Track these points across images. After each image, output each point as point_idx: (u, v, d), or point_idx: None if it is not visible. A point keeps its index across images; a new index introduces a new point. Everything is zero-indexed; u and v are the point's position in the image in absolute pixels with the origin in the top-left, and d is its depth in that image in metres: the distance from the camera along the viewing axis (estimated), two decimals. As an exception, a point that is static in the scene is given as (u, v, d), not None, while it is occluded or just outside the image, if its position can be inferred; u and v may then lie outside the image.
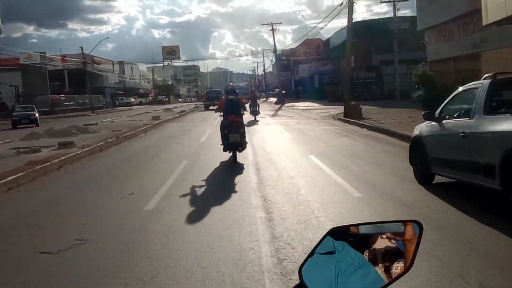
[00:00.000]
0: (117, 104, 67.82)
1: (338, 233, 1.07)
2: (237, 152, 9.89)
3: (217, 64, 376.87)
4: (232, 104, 10.10)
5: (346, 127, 17.54)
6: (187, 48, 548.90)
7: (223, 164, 9.82)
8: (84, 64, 48.00)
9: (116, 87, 76.13)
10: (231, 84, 13.30)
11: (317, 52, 58.63)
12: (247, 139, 10.54)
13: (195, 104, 66.27)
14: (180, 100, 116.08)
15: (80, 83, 68.12)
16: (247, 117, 16.18)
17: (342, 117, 20.54)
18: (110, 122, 23.71)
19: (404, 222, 1.08)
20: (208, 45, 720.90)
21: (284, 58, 68.53)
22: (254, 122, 21.37)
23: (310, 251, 1.05)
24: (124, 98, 76.61)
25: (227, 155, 10.10)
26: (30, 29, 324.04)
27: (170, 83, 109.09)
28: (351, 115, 19.78)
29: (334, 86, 43.38)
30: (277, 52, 56.70)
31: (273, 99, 67.11)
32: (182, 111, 34.67)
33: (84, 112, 46.78)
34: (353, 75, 42.08)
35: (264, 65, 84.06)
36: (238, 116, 10.10)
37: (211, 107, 27.52)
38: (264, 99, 74.29)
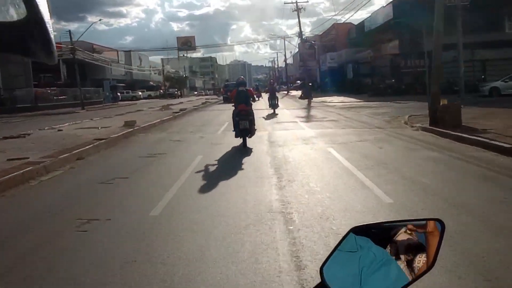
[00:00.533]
0: (120, 98, 60.47)
1: (360, 231, 1.04)
2: (247, 138, 10.86)
3: (235, 57, 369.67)
4: (242, 95, 11.23)
5: (453, 147, 9.48)
6: (205, 41, 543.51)
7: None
8: (72, 52, 40.47)
9: (122, 79, 68.86)
10: (242, 77, 13.54)
11: (348, 38, 50.01)
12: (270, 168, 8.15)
13: (206, 98, 58.65)
14: (196, 93, 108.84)
15: (80, 75, 61.30)
16: (266, 111, 18.53)
17: (428, 125, 12.35)
18: (57, 131, 15.47)
19: (426, 220, 1.04)
20: (227, 38, 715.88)
21: (310, 43, 60.18)
22: (273, 117, 19.57)
23: (331, 250, 1.00)
24: (130, 91, 69.28)
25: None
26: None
27: (183, 75, 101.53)
28: (445, 122, 11.52)
29: (375, 77, 34.86)
30: (303, 36, 48.44)
31: (296, 93, 59.67)
32: (181, 110, 26.73)
33: (73, 109, 39.47)
34: (399, 63, 33.54)
35: (285, 55, 75.67)
36: (248, 105, 11.18)
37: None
38: (285, 92, 66.51)
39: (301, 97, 41.43)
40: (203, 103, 39.40)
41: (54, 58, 0.72)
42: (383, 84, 32.13)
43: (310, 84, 42.18)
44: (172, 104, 37.14)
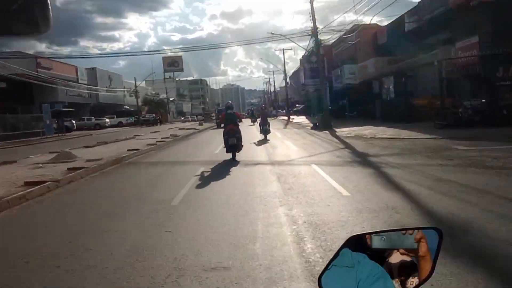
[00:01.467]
0: (74, 126, 46.65)
1: (356, 241, 1.05)
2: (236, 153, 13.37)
3: (228, 81, 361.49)
4: (230, 117, 13.82)
5: None
6: (198, 64, 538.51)
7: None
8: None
9: (81, 103, 55.17)
10: (230, 102, 15.94)
11: (376, 43, 36.70)
12: None
13: (190, 125, 45.39)
14: (182, 118, 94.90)
15: (26, 97, 47.80)
16: (258, 136, 20.83)
17: None
18: None
19: (424, 229, 1.05)
20: (220, 62, 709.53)
21: (315, 57, 47.40)
22: (265, 143, 18.63)
23: (328, 261, 1.03)
24: (93, 118, 55.48)
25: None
26: (42, 46, 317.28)
27: (166, 98, 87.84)
28: None
29: (444, 98, 20.91)
30: (308, 52, 35.70)
31: (299, 119, 46.55)
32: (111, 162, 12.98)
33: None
34: (490, 72, 19.98)
35: (285, 71, 62.51)
36: (235, 125, 13.62)
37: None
38: (285, 118, 53.85)
39: (315, 127, 27.80)
40: (171, 137, 25.18)
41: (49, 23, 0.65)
42: (467, 108, 18.45)
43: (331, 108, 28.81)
44: (121, 140, 23.23)
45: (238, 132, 13.51)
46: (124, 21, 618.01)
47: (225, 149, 13.44)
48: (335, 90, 44.43)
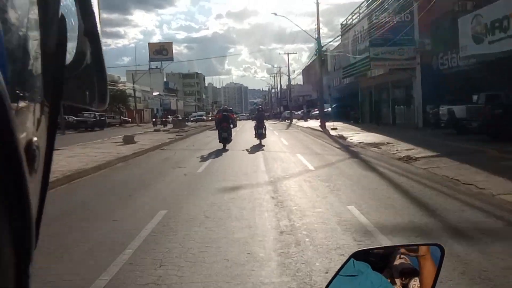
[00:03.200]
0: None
1: (361, 255, 1.06)
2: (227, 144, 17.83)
3: (232, 80, 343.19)
4: (225, 117, 18.42)
5: None
6: (203, 63, 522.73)
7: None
8: None
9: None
10: (226, 106, 25.96)
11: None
12: None
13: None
14: (154, 120, 51.73)
15: None
16: (252, 141, 19.82)
17: None
18: None
19: (426, 246, 1.07)
20: (224, 61, 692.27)
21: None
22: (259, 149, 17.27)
23: (334, 274, 1.03)
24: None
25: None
26: None
27: (125, 89, 60.94)
28: None
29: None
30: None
31: (309, 123, 37.60)
32: None
33: None
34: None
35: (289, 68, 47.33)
36: (228, 124, 18.30)
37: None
38: (287, 121, 47.08)
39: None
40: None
41: (106, 101, 0.69)
42: None
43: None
44: None
45: (230, 128, 18.48)
46: (129, 18, 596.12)
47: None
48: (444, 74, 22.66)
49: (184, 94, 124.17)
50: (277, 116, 75.07)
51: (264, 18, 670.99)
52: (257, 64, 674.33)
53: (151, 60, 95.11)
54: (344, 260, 1.02)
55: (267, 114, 74.22)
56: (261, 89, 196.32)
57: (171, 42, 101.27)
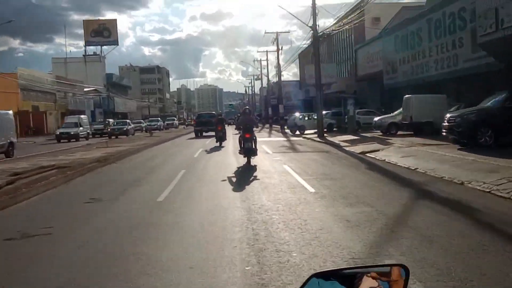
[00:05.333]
0: None
1: (321, 277, 1.03)
2: (221, 141, 21.49)
3: (206, 82, 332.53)
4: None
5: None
6: (177, 66, 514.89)
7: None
8: None
9: None
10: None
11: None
12: None
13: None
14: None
15: None
16: (235, 162, 14.14)
17: None
18: None
19: (391, 266, 1.05)
20: (199, 64, 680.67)
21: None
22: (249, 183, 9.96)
23: None
24: None
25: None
26: (16, 43, 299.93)
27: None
28: None
29: None
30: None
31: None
32: None
33: None
34: None
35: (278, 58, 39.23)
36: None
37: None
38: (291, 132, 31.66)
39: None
40: None
41: None
42: None
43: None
44: None
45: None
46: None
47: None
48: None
49: (141, 93, 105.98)
50: (269, 122, 52.02)
51: (239, 20, 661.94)
52: (231, 67, 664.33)
53: (87, 44, 77.47)
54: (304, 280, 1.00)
55: (258, 118, 55.42)
56: (236, 91, 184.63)
57: (115, 20, 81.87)
